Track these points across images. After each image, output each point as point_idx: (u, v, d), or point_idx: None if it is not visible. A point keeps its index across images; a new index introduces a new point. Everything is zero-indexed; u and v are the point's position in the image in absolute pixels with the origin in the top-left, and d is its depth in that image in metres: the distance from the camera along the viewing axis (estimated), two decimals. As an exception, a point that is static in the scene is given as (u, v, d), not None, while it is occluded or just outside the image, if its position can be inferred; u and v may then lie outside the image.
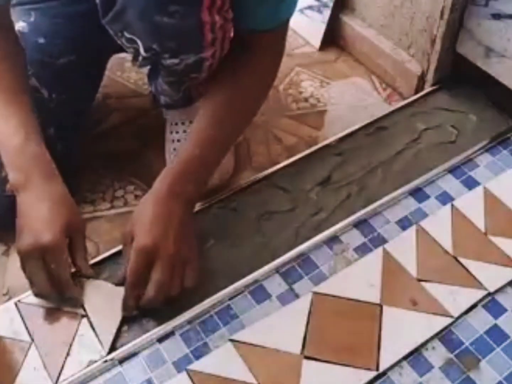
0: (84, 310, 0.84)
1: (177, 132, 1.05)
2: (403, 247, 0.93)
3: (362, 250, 0.93)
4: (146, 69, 1.07)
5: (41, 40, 0.95)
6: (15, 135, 0.82)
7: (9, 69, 0.85)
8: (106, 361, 0.79)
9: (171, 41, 0.83)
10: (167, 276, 0.79)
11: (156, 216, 0.81)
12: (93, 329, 0.83)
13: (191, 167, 0.86)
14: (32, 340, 0.81)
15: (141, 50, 0.85)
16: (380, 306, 0.86)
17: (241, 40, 0.89)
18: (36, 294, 0.84)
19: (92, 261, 0.90)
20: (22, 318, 0.84)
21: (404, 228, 0.96)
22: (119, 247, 0.91)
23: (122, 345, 0.81)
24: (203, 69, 0.89)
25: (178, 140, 1.04)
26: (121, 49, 0.90)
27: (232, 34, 0.88)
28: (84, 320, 0.84)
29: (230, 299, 0.87)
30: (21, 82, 0.87)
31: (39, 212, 0.80)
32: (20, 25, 0.96)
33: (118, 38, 0.86)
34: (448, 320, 0.84)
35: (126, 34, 0.84)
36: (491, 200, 0.99)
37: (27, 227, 0.80)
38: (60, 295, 0.82)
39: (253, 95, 0.93)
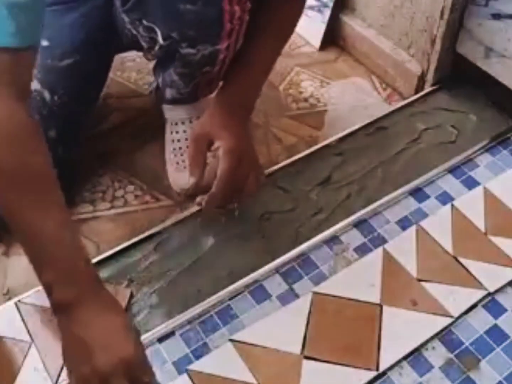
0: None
1: (177, 132, 1.05)
2: (403, 247, 0.93)
3: (362, 250, 0.93)
4: (147, 68, 1.07)
5: (45, 43, 0.95)
6: (63, 246, 0.69)
7: (41, 152, 0.70)
8: (106, 361, 0.79)
9: (191, 29, 0.85)
10: (254, 178, 0.88)
11: (232, 121, 0.87)
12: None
13: (243, 83, 0.91)
14: (32, 340, 0.81)
15: (159, 39, 0.86)
16: (380, 306, 0.86)
17: None
18: None
19: (92, 261, 0.89)
20: (22, 318, 0.84)
21: (404, 228, 0.96)
22: (119, 247, 0.92)
23: (122, 345, 0.81)
24: (216, 62, 0.90)
25: (178, 140, 1.04)
26: (125, 49, 0.90)
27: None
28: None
29: (230, 299, 0.87)
30: (51, 167, 0.71)
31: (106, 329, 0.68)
32: None
33: (135, 28, 0.87)
34: (448, 320, 0.84)
35: (145, 22, 0.85)
36: (491, 200, 0.99)
37: (96, 344, 0.67)
38: None
39: (288, 21, 0.96)
